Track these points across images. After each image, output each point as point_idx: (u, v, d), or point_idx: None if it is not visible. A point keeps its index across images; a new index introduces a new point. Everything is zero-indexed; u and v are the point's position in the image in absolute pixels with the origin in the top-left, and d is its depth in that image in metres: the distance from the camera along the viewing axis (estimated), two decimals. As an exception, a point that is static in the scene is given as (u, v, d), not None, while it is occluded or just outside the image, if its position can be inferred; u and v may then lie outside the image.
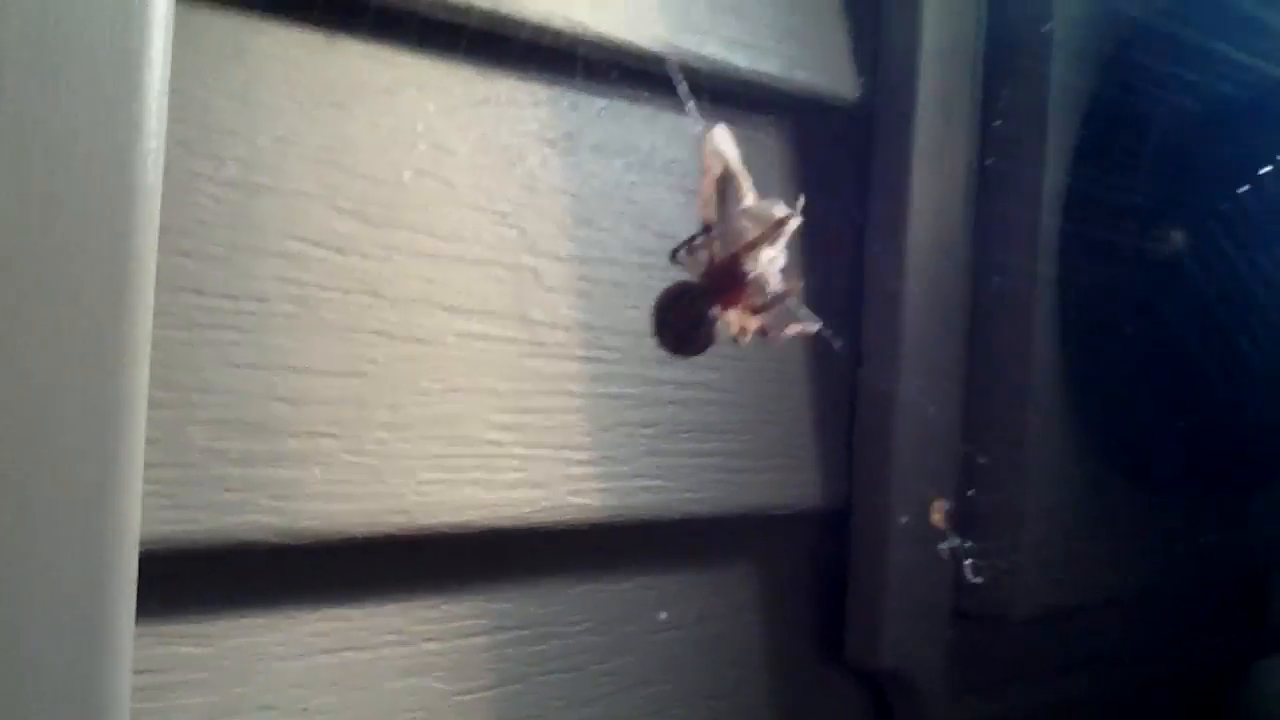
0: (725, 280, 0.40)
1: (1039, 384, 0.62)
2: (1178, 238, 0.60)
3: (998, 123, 0.61)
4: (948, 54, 0.60)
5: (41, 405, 0.31)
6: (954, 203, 0.61)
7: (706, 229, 0.41)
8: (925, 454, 0.61)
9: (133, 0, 0.32)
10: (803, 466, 0.62)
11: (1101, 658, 0.74)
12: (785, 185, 0.61)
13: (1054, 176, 0.60)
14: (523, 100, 0.50)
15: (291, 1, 0.43)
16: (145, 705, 0.42)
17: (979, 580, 0.59)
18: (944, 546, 0.59)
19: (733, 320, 0.41)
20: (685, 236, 0.42)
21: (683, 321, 0.41)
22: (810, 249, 0.61)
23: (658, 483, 0.56)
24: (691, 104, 0.45)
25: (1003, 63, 0.61)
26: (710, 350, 0.55)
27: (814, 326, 0.45)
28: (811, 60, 0.58)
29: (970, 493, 0.61)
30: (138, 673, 0.39)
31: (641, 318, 0.49)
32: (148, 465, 0.34)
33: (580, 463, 0.53)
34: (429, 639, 0.50)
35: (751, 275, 0.40)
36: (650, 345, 0.46)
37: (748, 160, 0.58)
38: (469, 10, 0.46)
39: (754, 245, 0.39)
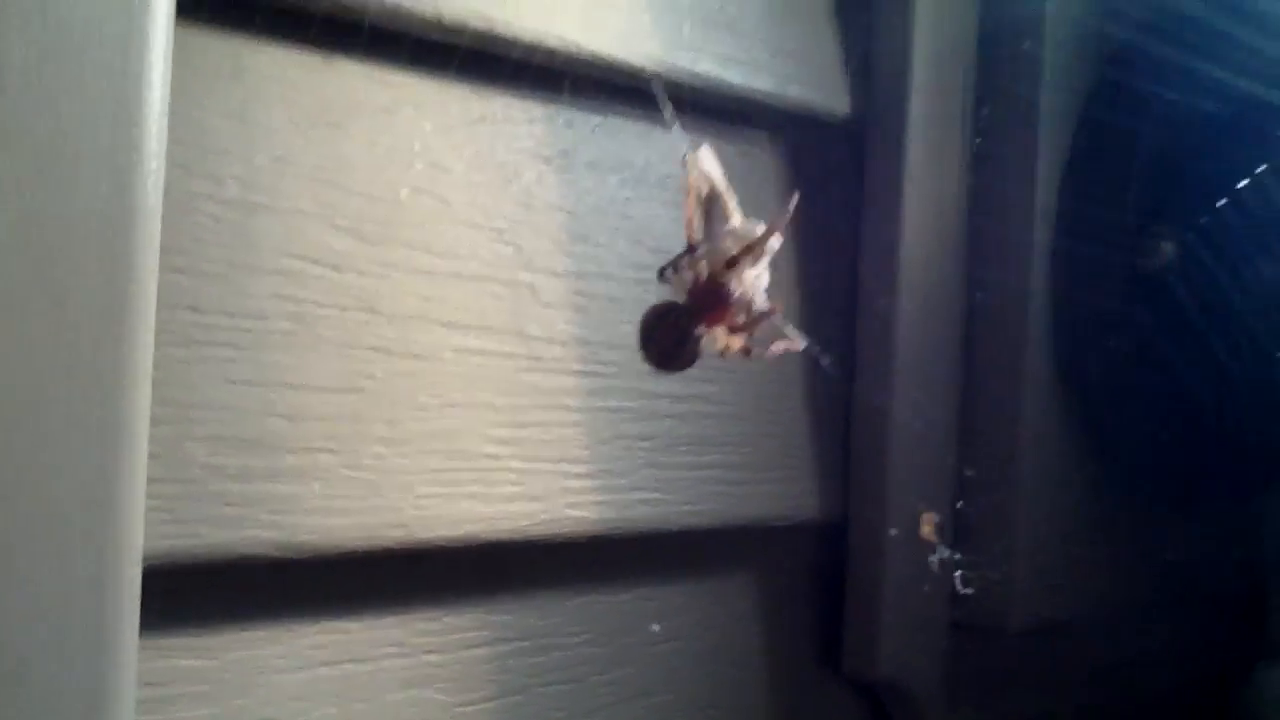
0: (710, 299, 0.41)
1: (1031, 397, 0.62)
2: (1168, 250, 0.60)
3: (989, 140, 0.61)
4: (939, 71, 0.61)
5: (44, 422, 0.32)
6: (946, 216, 0.62)
7: (692, 248, 0.41)
8: (920, 467, 0.62)
9: (133, 24, 0.33)
10: (800, 479, 0.63)
11: (1099, 669, 0.74)
12: (779, 200, 0.61)
13: (1045, 192, 0.61)
14: (518, 118, 0.51)
15: (288, 22, 0.44)
16: (148, 718, 0.43)
17: (969, 591, 0.60)
18: (934, 558, 0.60)
19: (718, 338, 0.42)
20: (679, 252, 0.43)
21: (668, 339, 0.42)
22: (804, 262, 0.62)
23: (656, 495, 0.56)
24: (677, 126, 0.46)
25: (994, 80, 0.62)
26: (707, 364, 0.56)
27: (800, 343, 0.46)
28: (804, 76, 0.59)
29: (959, 505, 0.62)
30: (140, 686, 0.39)
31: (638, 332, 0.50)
32: (149, 481, 0.35)
33: (578, 476, 0.53)
34: (429, 651, 0.51)
35: (735, 294, 0.40)
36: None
37: (741, 176, 0.59)
38: (463, 30, 0.46)
39: (737, 264, 0.40)
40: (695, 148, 0.41)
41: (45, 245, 0.32)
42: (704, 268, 0.41)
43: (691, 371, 0.56)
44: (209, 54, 0.42)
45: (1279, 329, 0.59)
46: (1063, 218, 0.61)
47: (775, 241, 0.40)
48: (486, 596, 0.53)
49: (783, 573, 0.65)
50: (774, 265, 0.42)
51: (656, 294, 0.46)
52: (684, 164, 0.40)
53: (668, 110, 0.47)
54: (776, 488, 0.62)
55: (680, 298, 0.42)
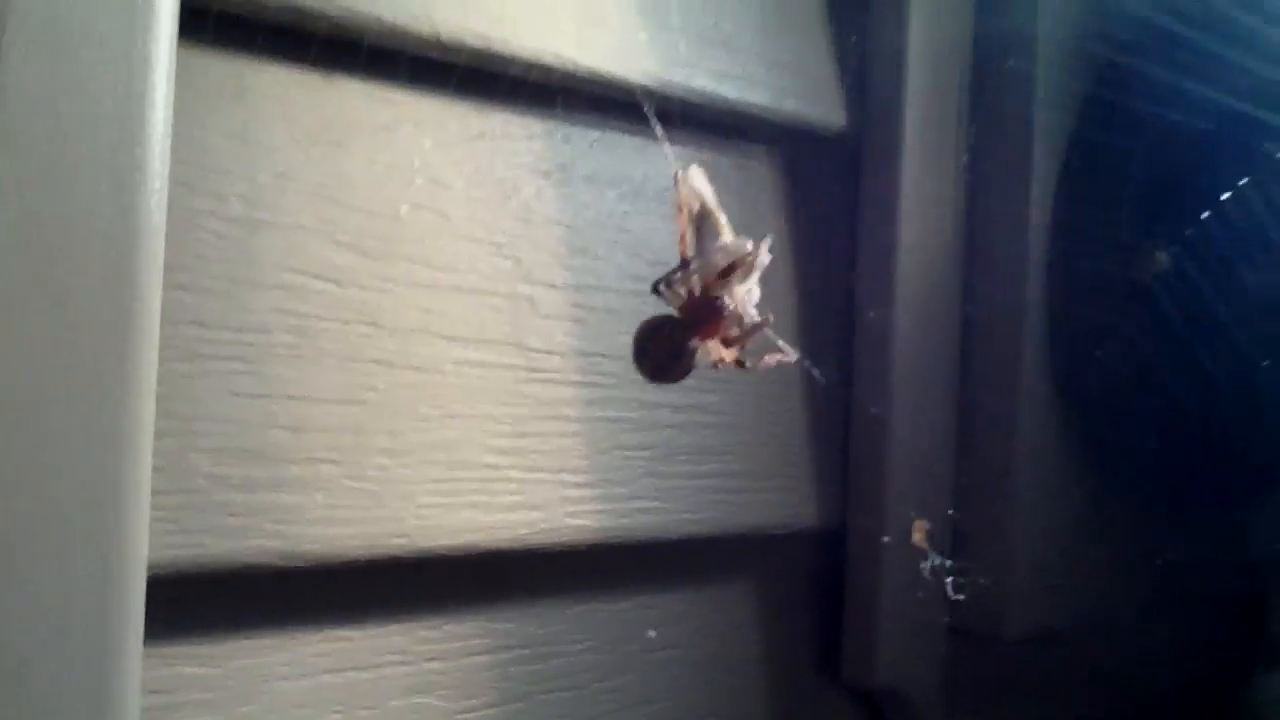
0: (703, 312, 0.42)
1: (1028, 406, 0.63)
2: (1161, 260, 0.61)
3: (982, 154, 0.62)
4: (934, 84, 0.61)
5: (50, 435, 0.33)
6: (941, 227, 0.62)
7: (684, 264, 0.42)
8: (916, 475, 0.62)
9: (136, 47, 0.34)
10: (798, 487, 0.63)
11: (1098, 675, 0.75)
12: (777, 211, 0.62)
13: (1039, 206, 0.62)
14: (517, 134, 0.52)
15: (289, 42, 0.45)
16: (153, 725, 0.44)
17: (960, 597, 0.60)
18: (925, 565, 0.60)
19: (711, 350, 0.43)
20: (673, 266, 0.44)
21: (662, 352, 0.43)
22: (801, 273, 0.62)
23: (655, 504, 0.57)
24: (667, 144, 0.47)
25: (987, 96, 0.62)
26: (705, 375, 0.56)
27: (792, 356, 0.47)
28: (799, 90, 0.60)
29: (950, 512, 0.62)
30: (145, 693, 0.40)
31: (636, 344, 0.50)
32: (154, 493, 0.35)
33: (577, 485, 0.54)
34: (431, 658, 0.52)
35: (728, 308, 0.41)
36: (643, 370, 0.47)
37: (739, 188, 0.60)
38: (461, 49, 0.47)
39: (728, 280, 0.41)
40: (685, 167, 0.42)
41: (51, 261, 0.33)
42: (697, 282, 0.42)
43: (690, 382, 0.57)
44: (211, 74, 0.43)
45: (1264, 338, 0.59)
46: (1057, 230, 0.61)
47: (764, 257, 0.41)
48: (487, 604, 0.53)
49: (782, 580, 0.65)
50: (769, 277, 0.43)
51: (654, 306, 0.46)
52: (675, 182, 0.41)
53: (658, 128, 0.48)
54: (775, 496, 0.62)
55: (674, 311, 0.43)
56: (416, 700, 0.51)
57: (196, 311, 0.43)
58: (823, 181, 0.63)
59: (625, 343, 0.54)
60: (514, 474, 0.51)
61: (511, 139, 0.52)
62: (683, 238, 0.41)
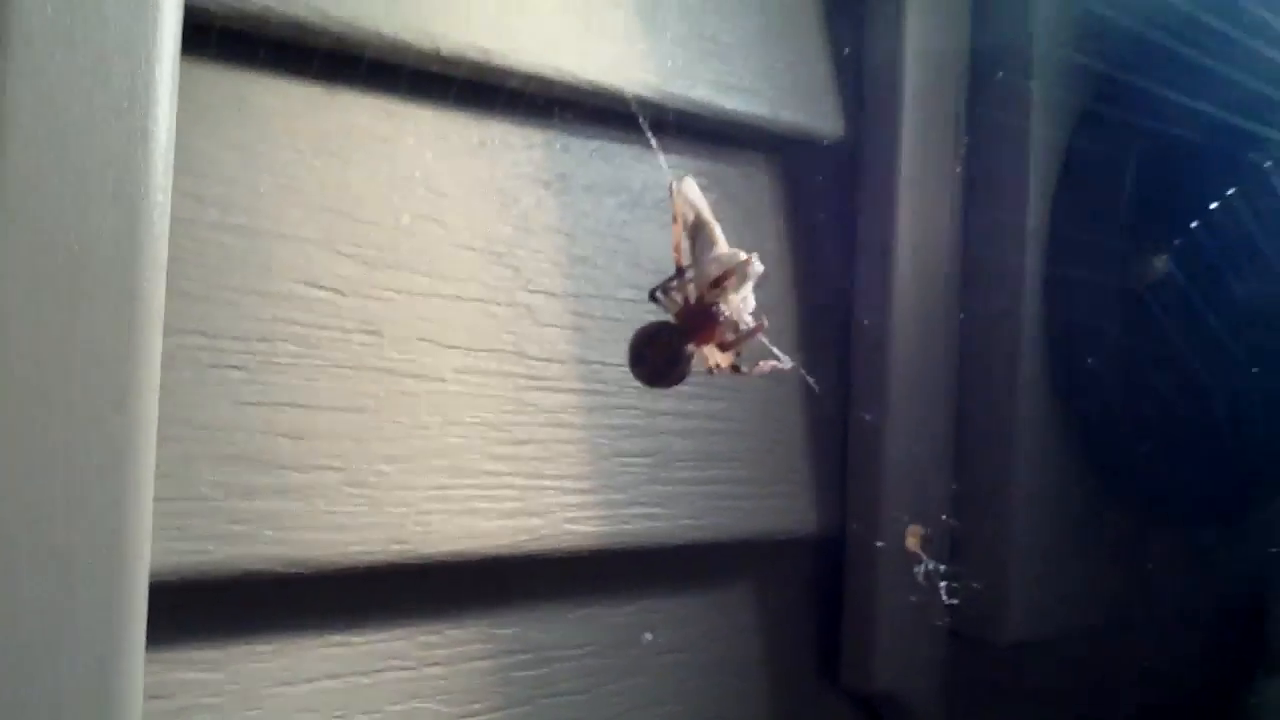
0: (699, 319, 0.42)
1: (1025, 413, 0.63)
2: (1158, 268, 0.62)
3: (980, 164, 0.63)
4: (930, 95, 0.62)
5: (54, 442, 0.33)
6: (938, 235, 0.63)
7: (680, 272, 0.43)
8: (912, 482, 0.63)
9: (139, 63, 0.35)
10: (799, 493, 0.64)
11: (1097, 681, 0.75)
12: (775, 220, 0.62)
13: (1036, 215, 0.62)
14: (517, 144, 0.53)
15: (292, 56, 0.46)
16: (156, 730, 0.44)
17: (954, 602, 0.61)
18: (919, 570, 0.61)
19: (707, 356, 0.43)
20: (670, 274, 0.44)
21: (660, 358, 0.43)
22: (800, 280, 0.63)
23: (656, 510, 0.57)
24: (662, 156, 0.47)
25: (984, 108, 0.63)
26: (706, 382, 0.57)
27: (788, 363, 0.47)
28: (797, 100, 0.60)
29: (944, 518, 0.63)
30: (149, 698, 0.41)
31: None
32: (158, 499, 0.36)
33: (578, 491, 0.54)
34: (432, 664, 0.52)
35: (722, 315, 0.42)
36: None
37: (739, 196, 0.60)
38: (461, 62, 0.48)
39: (722, 289, 0.41)
40: (680, 178, 0.43)
41: (57, 271, 0.33)
42: (692, 290, 0.43)
43: (690, 389, 0.58)
44: (215, 88, 0.44)
45: (1256, 346, 0.60)
46: (1053, 239, 0.62)
47: (757, 267, 0.42)
48: (488, 610, 0.54)
49: (783, 586, 0.66)
50: (768, 285, 0.44)
51: (653, 313, 0.47)
52: (670, 192, 0.42)
53: (652, 138, 0.48)
54: (776, 502, 0.63)
55: (671, 318, 0.44)
56: (418, 705, 0.52)
57: (200, 320, 0.44)
58: (821, 189, 0.64)
59: (624, 350, 0.55)
60: (514, 481, 0.52)
61: (511, 149, 0.52)
62: (677, 247, 0.42)
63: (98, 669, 0.34)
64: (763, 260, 0.43)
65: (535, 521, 0.53)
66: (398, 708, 0.51)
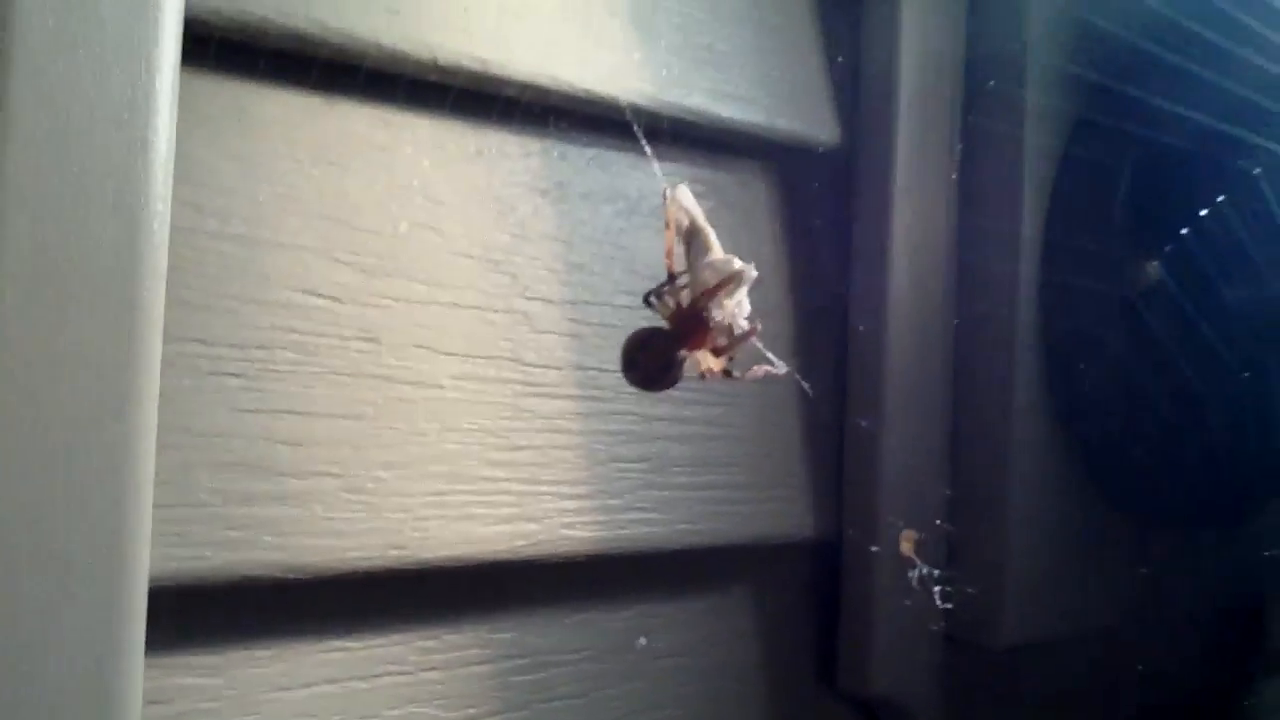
0: (691, 324, 0.43)
1: (1020, 418, 0.63)
2: (1151, 273, 0.62)
3: (974, 173, 0.63)
4: (924, 103, 0.62)
5: (54, 449, 0.34)
6: (934, 243, 0.63)
7: (672, 278, 0.43)
8: (907, 487, 0.63)
9: (139, 75, 0.35)
10: (796, 497, 0.64)
11: (1096, 685, 0.75)
12: (772, 226, 0.63)
13: (1030, 222, 0.62)
14: (514, 153, 0.53)
15: (291, 66, 0.46)
16: (155, 734, 0.44)
17: (949, 606, 0.61)
18: (913, 574, 0.61)
19: (700, 360, 0.44)
20: (663, 280, 0.45)
21: (653, 364, 0.44)
22: (797, 286, 0.63)
23: (653, 515, 0.57)
24: (656, 164, 0.48)
25: (978, 116, 0.63)
26: (704, 387, 0.57)
27: (781, 368, 0.48)
28: (793, 108, 0.61)
29: (939, 522, 0.63)
30: (148, 703, 0.41)
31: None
32: (157, 506, 0.36)
33: (575, 497, 0.55)
34: (429, 669, 0.52)
35: (714, 321, 0.42)
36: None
37: (736, 203, 0.61)
38: (458, 72, 0.48)
39: (715, 295, 0.42)
40: (673, 185, 0.43)
41: (57, 279, 0.34)
42: (685, 296, 0.43)
43: (687, 394, 0.58)
44: (215, 98, 0.44)
45: (1248, 351, 0.60)
46: (1048, 246, 0.62)
47: (751, 273, 0.42)
48: (486, 615, 0.54)
49: (781, 590, 0.66)
50: (765, 291, 0.44)
51: (649, 319, 0.47)
52: (664, 199, 0.43)
53: (647, 146, 0.49)
54: (773, 506, 0.63)
55: (664, 322, 0.44)
56: (415, 710, 0.52)
57: (199, 328, 0.44)
58: (817, 196, 0.64)
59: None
60: (511, 486, 0.52)
61: (509, 158, 0.53)
62: (669, 252, 0.43)
63: (97, 674, 0.34)
64: (759, 266, 0.43)
65: (532, 527, 0.53)
66: (395, 712, 0.51)
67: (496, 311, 0.52)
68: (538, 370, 0.53)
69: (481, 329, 0.52)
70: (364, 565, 0.48)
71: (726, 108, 0.57)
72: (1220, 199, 0.55)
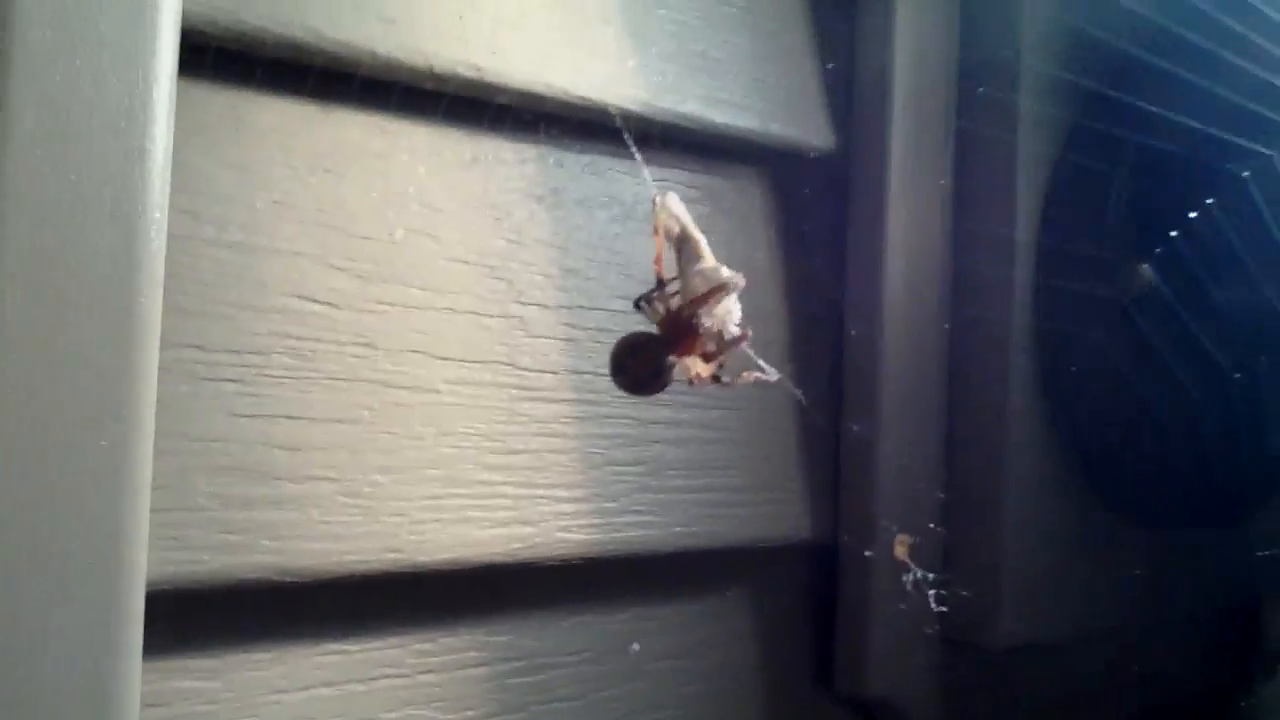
0: (680, 329, 0.43)
1: (1014, 422, 0.64)
2: (1144, 278, 0.62)
3: (968, 178, 0.63)
4: (918, 108, 0.63)
5: (52, 454, 0.34)
6: (928, 248, 0.63)
7: (662, 284, 0.44)
8: (903, 491, 0.63)
9: (136, 84, 0.35)
10: (792, 500, 0.64)
11: (1094, 686, 0.75)
12: (766, 232, 0.63)
13: (1024, 226, 0.63)
14: (509, 159, 0.53)
15: (287, 75, 0.46)
16: (153, 738, 0.45)
17: (943, 609, 0.61)
18: (907, 578, 0.61)
19: (689, 366, 0.44)
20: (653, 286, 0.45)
21: (643, 369, 0.44)
22: (791, 291, 0.63)
23: (649, 518, 0.58)
24: (646, 170, 0.48)
25: (972, 122, 0.64)
26: (699, 390, 0.58)
27: (772, 375, 0.48)
28: (787, 114, 0.61)
29: (932, 526, 0.63)
30: (146, 707, 0.41)
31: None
32: (155, 510, 0.37)
33: (571, 500, 0.55)
34: (427, 671, 0.53)
35: (704, 327, 0.43)
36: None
37: (732, 208, 0.61)
38: (453, 79, 0.49)
39: (704, 302, 0.42)
40: (663, 193, 0.44)
41: (55, 286, 0.34)
42: (675, 301, 0.44)
43: (683, 398, 0.58)
44: (212, 107, 0.45)
45: (1239, 353, 0.61)
46: (1042, 250, 0.62)
47: (739, 282, 0.43)
48: (482, 618, 0.54)
49: (778, 592, 0.66)
50: (759, 297, 0.44)
51: (643, 324, 0.48)
52: (653, 206, 0.43)
53: (637, 153, 0.49)
54: (770, 508, 0.63)
55: (654, 327, 0.45)
56: (412, 713, 0.52)
57: (196, 334, 0.44)
58: (811, 202, 0.65)
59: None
60: (507, 490, 0.53)
61: (504, 164, 0.53)
62: (659, 258, 0.43)
63: (95, 678, 0.35)
64: (754, 272, 0.44)
65: (529, 530, 0.53)
66: (392, 715, 0.51)
67: (492, 316, 0.52)
68: (533, 375, 0.54)
69: (477, 334, 0.52)
70: (361, 568, 0.48)
71: (721, 114, 0.58)
72: (1209, 201, 0.55)
